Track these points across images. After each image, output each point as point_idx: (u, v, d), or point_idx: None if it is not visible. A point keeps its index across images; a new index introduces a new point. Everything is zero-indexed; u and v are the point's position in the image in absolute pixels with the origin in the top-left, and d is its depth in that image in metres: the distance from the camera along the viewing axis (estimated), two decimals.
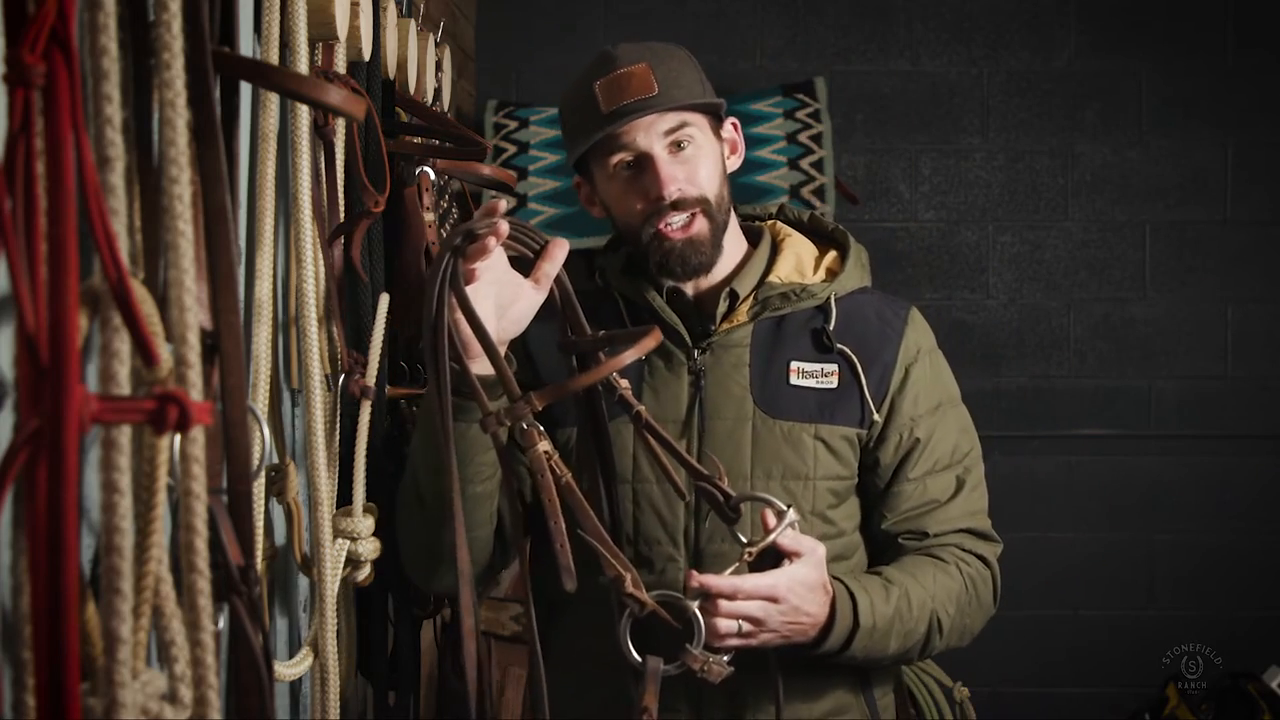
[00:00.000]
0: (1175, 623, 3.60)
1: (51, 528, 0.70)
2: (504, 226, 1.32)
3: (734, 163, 1.66)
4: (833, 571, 1.49)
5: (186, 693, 0.81)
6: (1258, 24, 3.67)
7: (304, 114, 1.42)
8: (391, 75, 1.89)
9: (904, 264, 3.66)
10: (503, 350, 1.41)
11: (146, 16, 0.91)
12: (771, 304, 1.60)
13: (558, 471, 1.30)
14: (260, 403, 1.32)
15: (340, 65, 1.58)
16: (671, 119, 1.55)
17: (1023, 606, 3.65)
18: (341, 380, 1.56)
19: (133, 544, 0.75)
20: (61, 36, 0.71)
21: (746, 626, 1.38)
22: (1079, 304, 3.70)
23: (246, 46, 1.28)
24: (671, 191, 1.53)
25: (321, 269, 1.49)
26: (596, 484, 1.47)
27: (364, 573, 1.56)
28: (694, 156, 1.56)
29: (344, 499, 1.55)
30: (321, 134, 1.51)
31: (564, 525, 1.31)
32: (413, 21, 2.00)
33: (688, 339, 1.59)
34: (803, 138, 3.29)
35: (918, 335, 1.64)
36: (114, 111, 0.74)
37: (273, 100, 1.35)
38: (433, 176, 1.88)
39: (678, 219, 1.55)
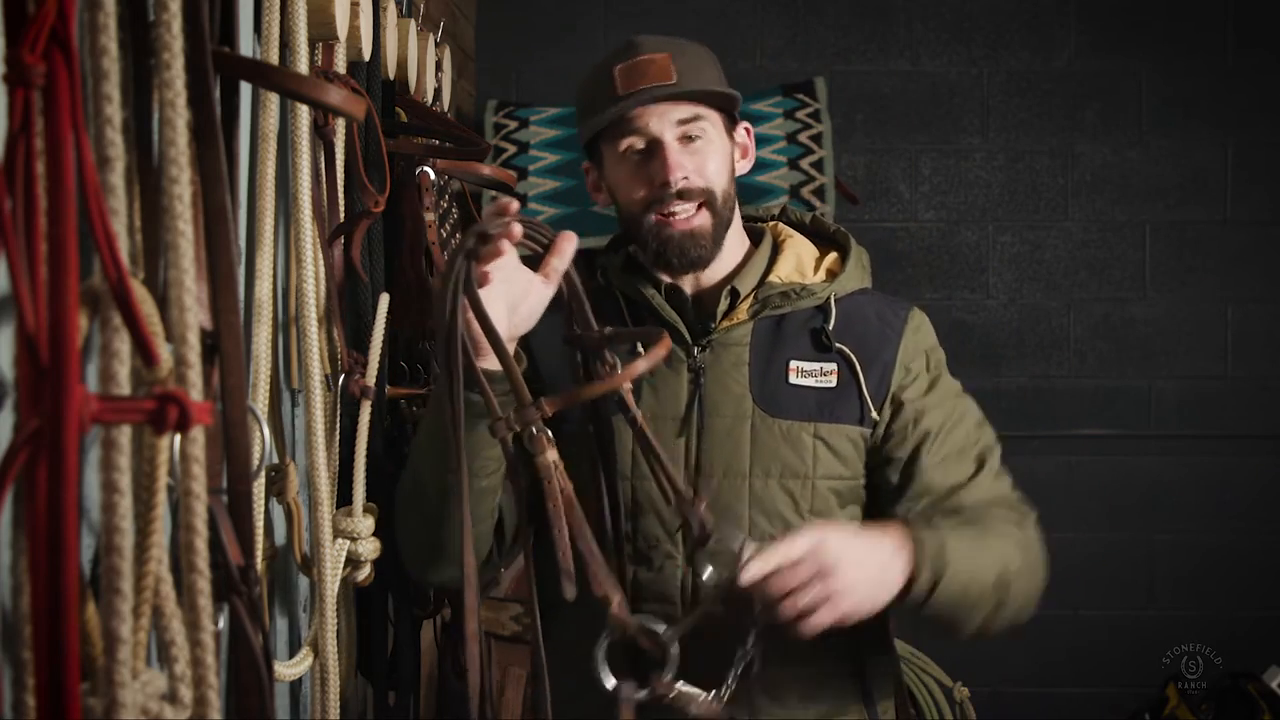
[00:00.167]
0: (1175, 623, 3.60)
1: (51, 528, 0.70)
2: (517, 229, 1.32)
3: (743, 166, 1.66)
4: None
5: (186, 693, 0.81)
6: (1258, 24, 3.67)
7: (304, 114, 1.42)
8: (391, 75, 1.89)
9: (904, 264, 3.66)
10: (512, 348, 1.40)
11: (146, 16, 0.91)
12: (771, 303, 1.60)
13: (562, 483, 1.30)
14: (260, 403, 1.32)
15: (340, 65, 1.58)
16: (686, 110, 1.55)
17: None
18: (341, 380, 1.56)
19: (133, 544, 0.75)
20: (61, 36, 0.71)
21: (813, 595, 1.33)
22: (1079, 304, 3.70)
23: (246, 46, 1.28)
24: (678, 179, 1.54)
25: (321, 269, 1.49)
26: (598, 484, 1.47)
27: (364, 573, 1.56)
28: (704, 149, 1.56)
29: (344, 499, 1.55)
30: (321, 134, 1.51)
31: (567, 535, 1.31)
32: (413, 21, 2.00)
33: (687, 337, 1.59)
34: (803, 138, 3.29)
35: (919, 334, 1.64)
36: (114, 111, 0.74)
37: (273, 100, 1.35)
38: (433, 176, 1.88)
39: (681, 209, 1.55)
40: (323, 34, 1.48)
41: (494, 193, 3.21)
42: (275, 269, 1.38)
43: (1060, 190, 3.68)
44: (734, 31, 3.63)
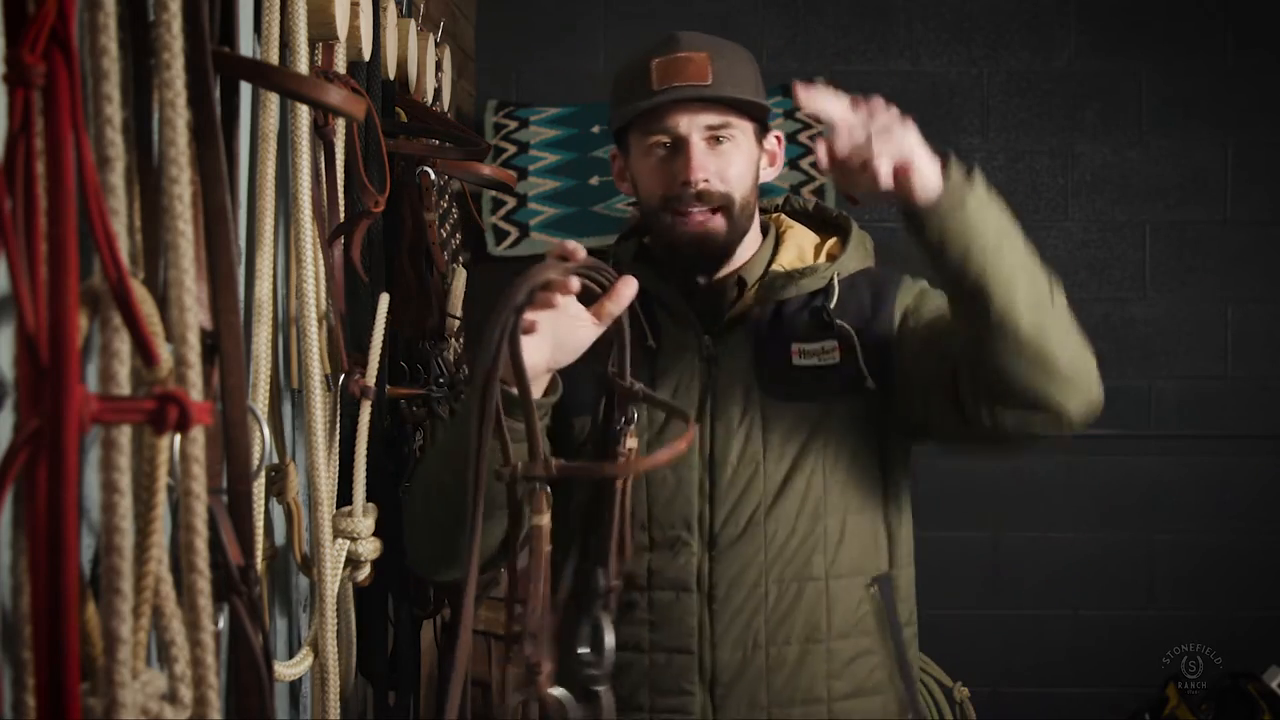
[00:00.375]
0: (1175, 623, 3.60)
1: (51, 528, 0.70)
2: (575, 283, 1.33)
3: (770, 174, 1.67)
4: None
5: (186, 693, 0.81)
6: (1258, 24, 3.67)
7: (304, 114, 1.42)
8: (391, 75, 1.89)
9: (904, 264, 3.65)
10: (548, 378, 1.42)
11: (146, 16, 0.91)
12: (775, 288, 1.62)
13: (545, 546, 1.31)
14: (260, 403, 1.32)
15: (340, 65, 1.58)
16: (716, 116, 1.56)
17: (1023, 606, 3.65)
18: (341, 380, 1.56)
19: (133, 544, 0.75)
20: (61, 36, 0.71)
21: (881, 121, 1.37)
22: (1079, 304, 3.65)
23: (246, 46, 1.28)
24: (699, 180, 1.55)
25: (321, 269, 1.49)
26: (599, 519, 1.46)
27: (364, 573, 1.56)
28: (729, 153, 1.57)
29: (344, 499, 1.55)
30: (321, 134, 1.51)
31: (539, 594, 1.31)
32: (413, 21, 2.00)
33: (699, 327, 1.61)
34: (803, 137, 3.29)
35: (913, 284, 1.68)
36: (114, 111, 0.74)
37: (273, 100, 1.35)
38: (433, 176, 1.88)
39: (698, 209, 1.56)
40: (323, 34, 1.48)
41: (494, 192, 3.21)
42: (275, 269, 1.38)
43: (1060, 190, 3.68)
44: (734, 32, 3.61)
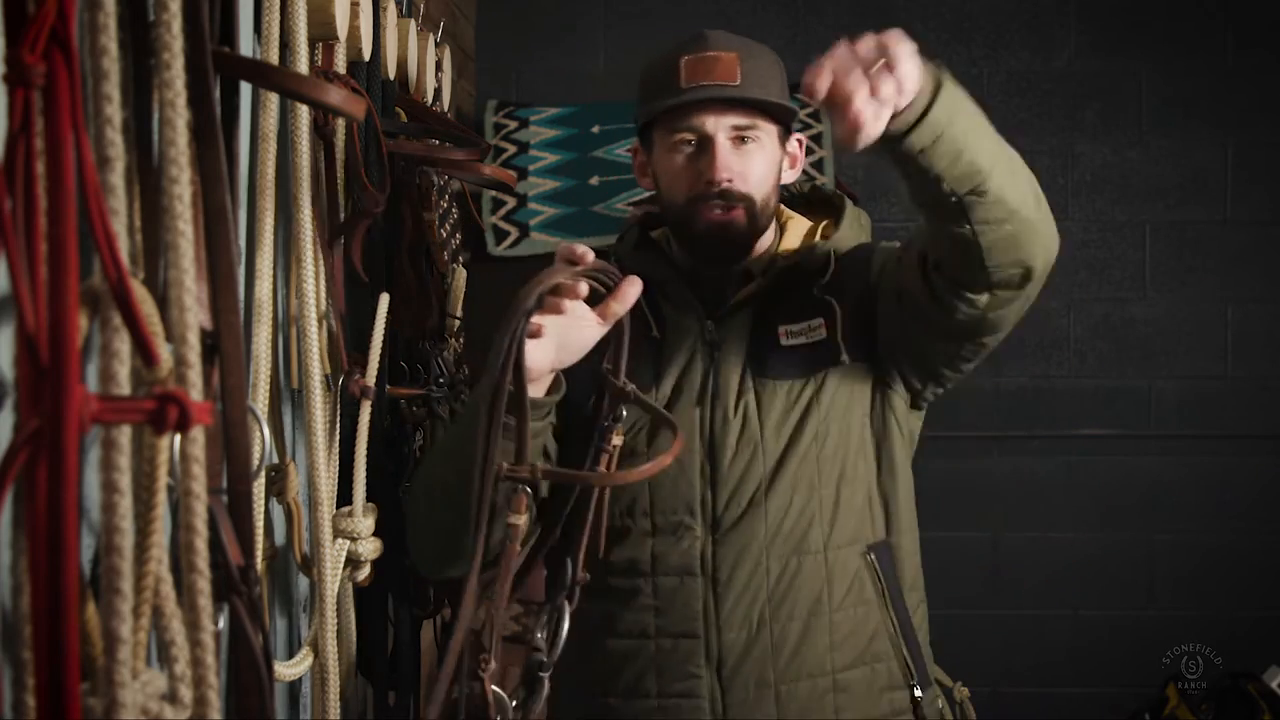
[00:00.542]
0: (1175, 623, 3.60)
1: (51, 528, 0.70)
2: (583, 288, 1.34)
3: (790, 176, 1.70)
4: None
5: (186, 693, 0.81)
6: (1258, 24, 3.67)
7: (304, 114, 1.42)
8: (391, 75, 1.89)
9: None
10: (551, 378, 1.44)
11: (146, 16, 0.91)
12: (778, 270, 1.66)
13: (519, 546, 1.31)
14: (260, 403, 1.32)
15: (340, 65, 1.58)
16: (744, 117, 1.58)
17: (1023, 606, 3.65)
18: (341, 380, 1.56)
19: (133, 544, 0.75)
20: (61, 36, 0.71)
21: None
22: (1079, 304, 3.70)
23: (246, 46, 1.28)
24: (723, 179, 1.56)
25: (321, 269, 1.49)
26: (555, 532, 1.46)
27: (364, 573, 1.56)
28: (753, 154, 1.59)
29: (344, 499, 1.55)
30: (321, 134, 1.51)
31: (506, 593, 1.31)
32: (413, 21, 2.00)
33: (701, 312, 1.64)
34: (803, 137, 3.29)
35: (884, 249, 1.69)
36: (114, 111, 0.74)
37: (273, 100, 1.35)
38: (433, 176, 1.88)
39: (721, 206, 1.58)
40: (323, 34, 1.48)
41: (494, 192, 3.21)
42: (275, 269, 1.38)
43: (1060, 190, 3.68)
44: (733, 32, 3.62)
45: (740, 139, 1.58)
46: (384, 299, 1.66)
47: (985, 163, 1.37)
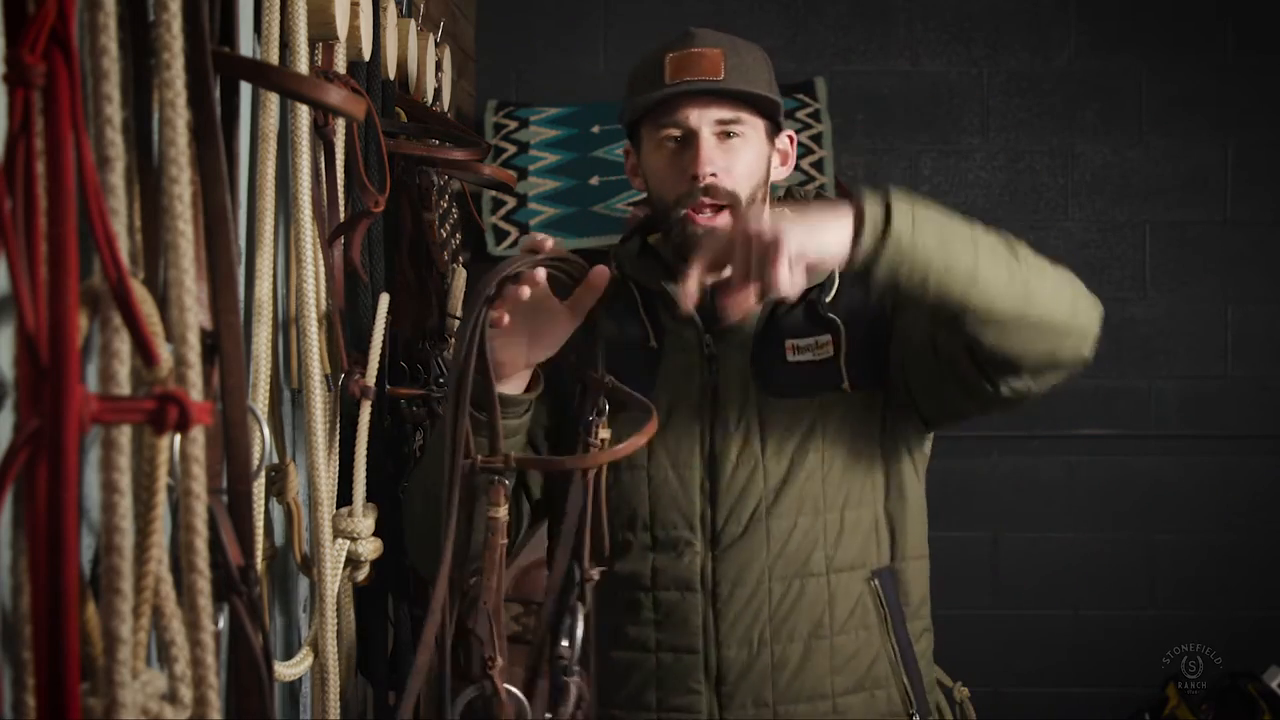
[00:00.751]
0: (1175, 623, 3.60)
1: (51, 528, 0.70)
2: (540, 274, 1.34)
3: (781, 173, 1.66)
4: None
5: (186, 693, 0.81)
6: (1257, 24, 3.67)
7: (304, 114, 1.42)
8: (391, 75, 1.89)
9: None
10: (529, 374, 1.44)
11: (146, 16, 0.91)
12: None
13: (501, 539, 1.32)
14: (260, 403, 1.32)
15: (340, 65, 1.58)
16: (727, 111, 1.55)
17: (1023, 606, 3.65)
18: (341, 380, 1.56)
19: (133, 544, 0.75)
20: (61, 36, 0.71)
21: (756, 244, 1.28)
22: None
23: (246, 46, 1.28)
24: (706, 173, 1.53)
25: (321, 269, 1.49)
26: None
27: (364, 573, 1.56)
28: (739, 149, 1.56)
29: (344, 499, 1.55)
30: (321, 134, 1.51)
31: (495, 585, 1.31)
32: (413, 21, 2.00)
33: (701, 326, 1.61)
34: (803, 138, 3.29)
35: None
36: (114, 111, 0.74)
37: (273, 100, 1.35)
38: (433, 176, 1.88)
39: (707, 208, 1.54)
40: (323, 34, 1.48)
41: (494, 192, 3.21)
42: (275, 269, 1.38)
43: (1060, 190, 3.68)
44: (734, 32, 3.62)
45: (725, 134, 1.55)
46: (384, 299, 1.66)
47: (959, 281, 1.33)
